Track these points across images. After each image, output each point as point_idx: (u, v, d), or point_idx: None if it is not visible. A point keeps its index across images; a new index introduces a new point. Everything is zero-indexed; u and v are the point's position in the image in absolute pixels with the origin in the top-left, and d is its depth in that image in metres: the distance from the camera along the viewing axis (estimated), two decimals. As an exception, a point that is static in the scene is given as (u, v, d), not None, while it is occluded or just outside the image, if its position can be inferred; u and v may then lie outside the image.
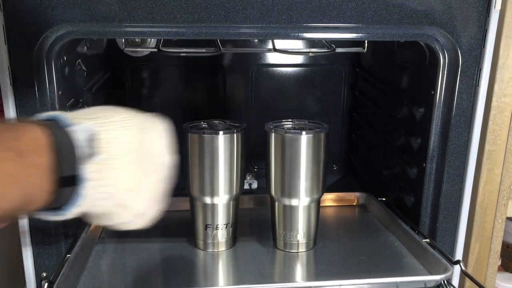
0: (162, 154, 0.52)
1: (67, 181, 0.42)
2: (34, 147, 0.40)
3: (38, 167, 0.40)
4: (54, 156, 0.41)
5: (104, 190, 0.45)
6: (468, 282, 0.92)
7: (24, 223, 0.79)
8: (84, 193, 0.44)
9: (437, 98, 0.82)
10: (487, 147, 0.85)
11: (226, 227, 0.86)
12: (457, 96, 0.80)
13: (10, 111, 0.73)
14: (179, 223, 0.94)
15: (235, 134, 0.82)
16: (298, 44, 1.15)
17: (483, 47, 0.78)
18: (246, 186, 1.20)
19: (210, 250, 0.86)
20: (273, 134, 0.83)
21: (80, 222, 0.88)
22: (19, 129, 0.40)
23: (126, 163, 0.47)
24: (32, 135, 0.40)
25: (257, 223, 0.98)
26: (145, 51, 1.15)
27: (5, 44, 0.70)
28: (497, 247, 0.92)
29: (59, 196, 0.42)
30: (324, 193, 0.88)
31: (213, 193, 0.83)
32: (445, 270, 0.75)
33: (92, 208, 0.46)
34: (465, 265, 0.90)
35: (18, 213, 0.42)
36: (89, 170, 0.43)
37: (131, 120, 0.50)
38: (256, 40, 1.15)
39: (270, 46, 1.06)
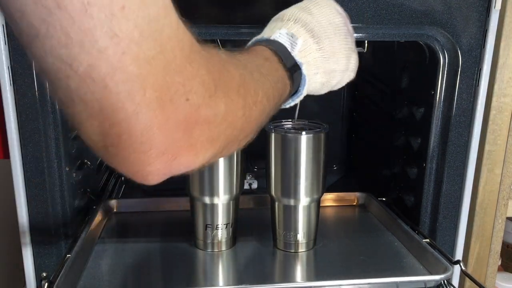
0: (341, 20, 0.64)
1: (292, 69, 0.57)
2: (270, 58, 0.56)
3: (278, 69, 0.55)
4: (279, 60, 0.56)
5: (314, 63, 0.60)
6: (468, 282, 0.92)
7: (24, 223, 0.79)
8: (304, 72, 0.59)
9: (437, 98, 0.82)
10: (487, 147, 0.85)
11: (226, 227, 0.86)
12: (457, 96, 0.80)
13: (10, 111, 0.73)
14: (179, 223, 0.94)
15: (235, 134, 0.82)
16: (298, 44, 1.15)
17: (483, 47, 0.78)
18: (246, 186, 1.20)
19: (210, 250, 0.86)
20: (273, 134, 0.83)
21: (81, 222, 0.88)
22: (258, 53, 0.56)
23: (320, 40, 0.61)
24: (265, 53, 0.56)
25: (257, 223, 0.98)
26: (145, 51, 1.14)
27: (5, 44, 0.70)
28: (497, 247, 0.92)
29: (294, 81, 0.58)
30: (324, 193, 0.88)
31: (213, 193, 0.83)
32: (445, 270, 0.75)
33: (313, 81, 0.62)
34: (465, 265, 0.90)
35: (279, 102, 0.57)
36: (299, 56, 0.59)
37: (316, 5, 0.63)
38: (256, 40, 1.15)
39: (270, 46, 1.06)
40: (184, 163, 0.37)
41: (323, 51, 0.61)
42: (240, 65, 0.47)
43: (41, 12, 0.29)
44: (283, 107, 0.63)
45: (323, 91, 0.67)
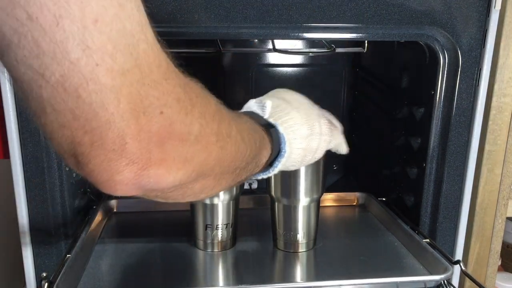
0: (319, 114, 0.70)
1: (267, 126, 0.60)
2: (245, 116, 0.59)
3: (253, 122, 0.58)
4: (254, 121, 0.58)
5: (290, 127, 0.62)
6: (468, 282, 0.92)
7: (24, 223, 0.79)
8: (281, 131, 0.61)
9: (437, 98, 0.82)
10: (487, 147, 0.85)
11: (226, 227, 0.86)
12: (457, 96, 0.80)
13: (10, 111, 0.73)
14: (179, 223, 0.94)
15: (235, 134, 0.82)
16: (298, 44, 1.15)
17: (483, 47, 0.78)
18: (246, 186, 1.20)
19: (210, 250, 0.86)
20: (273, 134, 0.83)
21: (81, 222, 0.88)
22: (243, 119, 0.57)
23: (291, 105, 0.65)
24: (251, 122, 0.58)
25: (257, 223, 0.98)
26: (145, 51, 1.14)
27: (5, 44, 0.70)
28: (497, 247, 0.92)
29: (273, 139, 0.59)
30: (324, 193, 0.88)
31: (213, 193, 0.83)
32: (445, 270, 0.75)
33: (295, 147, 0.63)
34: (465, 265, 0.90)
35: (249, 170, 0.55)
36: (272, 118, 0.62)
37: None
38: (256, 40, 1.15)
39: (270, 46, 1.06)
40: (154, 176, 0.37)
41: (296, 116, 0.64)
42: (216, 99, 0.49)
43: (13, 23, 0.30)
44: (271, 172, 0.64)
45: (307, 158, 0.67)
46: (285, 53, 1.14)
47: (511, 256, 1.18)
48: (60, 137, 0.35)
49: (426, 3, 0.76)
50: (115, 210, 1.00)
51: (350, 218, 1.05)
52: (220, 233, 0.86)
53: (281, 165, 0.62)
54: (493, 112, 0.84)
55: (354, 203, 1.09)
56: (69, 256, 0.76)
